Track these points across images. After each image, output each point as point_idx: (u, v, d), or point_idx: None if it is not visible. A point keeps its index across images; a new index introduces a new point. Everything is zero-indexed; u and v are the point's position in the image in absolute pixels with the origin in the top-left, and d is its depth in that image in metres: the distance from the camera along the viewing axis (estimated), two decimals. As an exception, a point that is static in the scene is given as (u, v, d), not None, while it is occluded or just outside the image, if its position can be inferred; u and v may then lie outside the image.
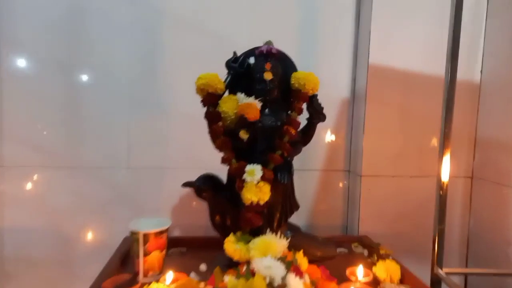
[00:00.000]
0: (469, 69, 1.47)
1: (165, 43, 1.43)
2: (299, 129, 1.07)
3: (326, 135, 1.54)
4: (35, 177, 1.42)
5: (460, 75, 1.14)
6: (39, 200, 1.42)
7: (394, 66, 1.43)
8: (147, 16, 1.42)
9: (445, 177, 1.12)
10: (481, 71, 1.47)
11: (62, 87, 1.41)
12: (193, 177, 1.42)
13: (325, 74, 1.48)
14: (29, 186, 1.42)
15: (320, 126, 1.12)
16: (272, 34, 1.15)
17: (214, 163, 1.07)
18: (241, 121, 1.00)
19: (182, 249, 1.29)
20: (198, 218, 1.38)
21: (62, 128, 1.42)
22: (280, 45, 1.11)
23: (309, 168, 1.54)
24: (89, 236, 1.45)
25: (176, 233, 1.46)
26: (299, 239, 1.09)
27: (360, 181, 1.45)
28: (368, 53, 1.41)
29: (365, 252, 1.29)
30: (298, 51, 1.48)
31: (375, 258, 1.21)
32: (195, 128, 1.20)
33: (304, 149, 1.14)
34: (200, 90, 1.02)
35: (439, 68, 1.41)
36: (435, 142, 1.47)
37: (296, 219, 1.26)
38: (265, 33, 1.37)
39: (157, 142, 1.45)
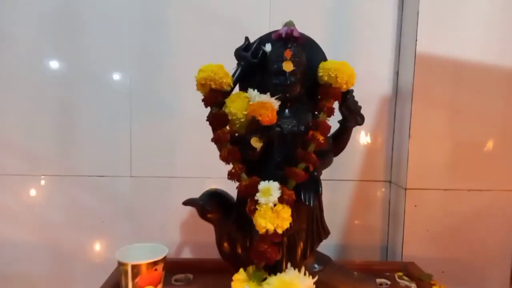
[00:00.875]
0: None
1: (170, 35, 1.23)
2: (328, 135, 0.83)
3: (362, 138, 1.29)
4: (27, 187, 1.26)
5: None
6: (33, 213, 1.26)
7: (448, 56, 1.16)
8: (148, 3, 1.22)
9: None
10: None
11: (56, 89, 1.24)
12: (204, 188, 1.21)
13: (361, 65, 1.19)
14: (21, 197, 1.26)
15: (355, 128, 0.88)
16: (296, 18, 0.92)
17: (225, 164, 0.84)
18: (254, 125, 0.77)
19: (189, 275, 1.08)
20: (210, 236, 1.17)
21: (57, 133, 1.25)
22: (305, 31, 0.87)
23: (342, 177, 1.30)
24: (87, 252, 1.28)
25: (184, 254, 1.27)
26: (329, 275, 0.86)
27: (404, 195, 1.19)
28: (416, 41, 1.15)
29: (413, 286, 1.04)
30: (328, 38, 1.24)
31: (426, 295, 0.96)
32: (206, 132, 0.96)
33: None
34: (201, 85, 0.80)
35: (504, 58, 1.14)
36: (498, 148, 1.18)
37: (325, 240, 1.04)
38: (287, 17, 1.14)
39: (163, 148, 1.26)
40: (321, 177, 0.82)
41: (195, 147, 1.24)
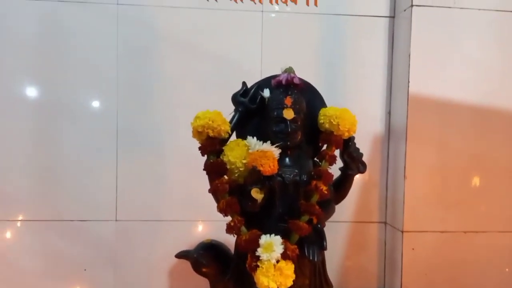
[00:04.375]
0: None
1: (161, 71, 1.20)
2: (331, 183, 0.80)
3: (356, 178, 1.26)
4: (2, 232, 1.17)
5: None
6: (5, 260, 1.16)
7: (439, 97, 1.17)
8: (138, 36, 1.20)
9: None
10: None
11: (36, 124, 1.17)
12: (195, 232, 1.15)
13: (354, 105, 1.19)
14: (-6, 243, 1.16)
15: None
16: (288, 60, 0.91)
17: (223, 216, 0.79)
18: (254, 176, 0.74)
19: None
20: (201, 286, 1.10)
21: (36, 173, 1.18)
22: (297, 73, 0.85)
23: (336, 219, 1.24)
24: (66, 306, 1.18)
25: (173, 304, 1.19)
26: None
27: (401, 237, 1.17)
28: (408, 82, 1.16)
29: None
30: (319, 77, 1.23)
31: None
32: (198, 171, 0.90)
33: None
34: (198, 133, 0.76)
35: (494, 99, 1.16)
36: (494, 188, 1.18)
37: None
38: (281, 58, 1.13)
39: (150, 189, 1.20)
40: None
41: (184, 188, 1.19)
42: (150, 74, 1.19)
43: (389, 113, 1.27)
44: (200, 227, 1.19)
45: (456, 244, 1.16)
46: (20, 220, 1.18)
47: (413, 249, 1.16)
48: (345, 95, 1.26)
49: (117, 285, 1.17)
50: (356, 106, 1.21)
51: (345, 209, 1.26)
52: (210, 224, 1.16)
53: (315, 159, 0.83)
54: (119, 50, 1.18)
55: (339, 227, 1.27)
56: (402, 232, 1.16)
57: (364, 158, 1.24)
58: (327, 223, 1.22)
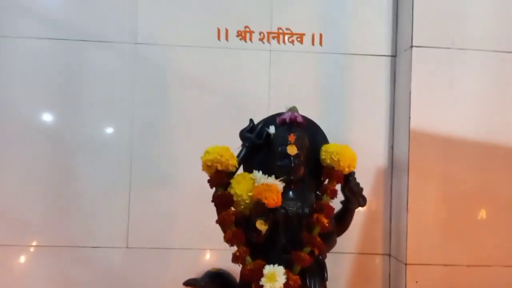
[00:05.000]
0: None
1: (171, 105, 1.28)
2: (332, 216, 0.84)
3: (360, 210, 1.29)
4: (14, 258, 1.21)
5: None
6: (19, 285, 1.21)
7: (440, 132, 1.21)
8: (153, 73, 1.28)
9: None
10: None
11: (51, 154, 1.24)
12: (204, 261, 1.19)
13: (357, 139, 1.29)
14: (6, 269, 1.21)
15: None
16: (295, 97, 0.97)
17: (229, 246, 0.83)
18: (258, 208, 0.78)
19: None
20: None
21: (50, 200, 1.23)
22: (304, 109, 0.92)
23: (341, 250, 1.27)
24: (76, 332, 1.21)
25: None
26: None
27: (404, 270, 1.18)
28: (409, 118, 1.21)
29: None
30: (325, 115, 1.29)
31: None
32: (206, 201, 0.95)
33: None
34: (207, 167, 0.82)
35: (496, 133, 1.20)
36: (496, 221, 1.20)
37: None
38: (287, 95, 1.20)
39: (162, 217, 1.25)
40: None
41: (194, 218, 1.23)
42: (164, 109, 1.27)
43: (392, 148, 1.32)
44: (208, 256, 1.22)
45: (459, 278, 1.17)
46: (33, 246, 1.22)
47: (416, 282, 1.17)
48: (350, 130, 1.31)
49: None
50: (360, 140, 1.29)
51: (350, 241, 1.29)
52: (217, 253, 1.20)
53: (318, 192, 0.87)
54: (135, 86, 1.27)
55: (345, 258, 1.29)
56: (406, 264, 1.18)
57: (368, 191, 1.30)
58: (333, 255, 1.25)
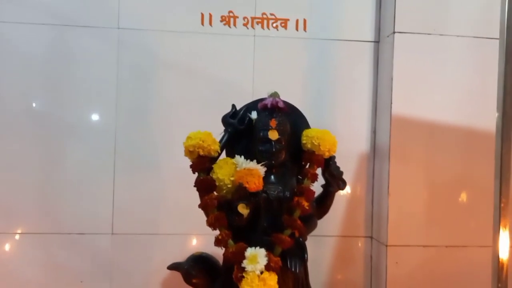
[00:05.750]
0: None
1: (155, 90, 1.27)
2: (313, 200, 0.86)
3: (342, 194, 1.32)
4: (1, 245, 1.21)
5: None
6: (5, 272, 1.20)
7: (421, 117, 1.23)
8: (137, 58, 1.27)
9: (503, 253, 0.87)
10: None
11: (35, 141, 1.23)
12: (188, 245, 1.21)
13: (341, 125, 1.30)
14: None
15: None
16: (279, 82, 0.98)
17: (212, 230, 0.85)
18: (240, 192, 0.80)
19: None
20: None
21: (36, 187, 1.23)
22: (288, 94, 0.93)
23: (324, 233, 1.31)
24: (63, 317, 1.22)
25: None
26: None
27: (385, 252, 1.22)
28: (391, 104, 1.22)
29: None
30: (307, 98, 1.30)
31: None
32: (191, 187, 0.96)
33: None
34: (189, 152, 0.83)
35: (475, 119, 1.23)
36: (473, 204, 1.24)
37: None
38: (271, 81, 1.20)
39: (147, 204, 1.25)
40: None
41: (179, 203, 1.24)
42: (148, 95, 1.26)
43: (374, 133, 1.34)
44: (194, 240, 1.24)
45: (438, 258, 1.21)
46: (18, 233, 1.22)
47: (396, 262, 1.21)
48: (333, 115, 1.32)
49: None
50: (343, 126, 1.31)
51: (333, 224, 1.31)
52: (203, 238, 1.21)
53: (299, 177, 0.89)
54: (119, 72, 1.25)
55: (328, 241, 1.32)
56: (386, 246, 1.21)
57: (351, 175, 1.32)
58: (316, 238, 1.29)
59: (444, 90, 1.24)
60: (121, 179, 1.24)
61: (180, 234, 1.25)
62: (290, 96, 0.94)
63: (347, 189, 1.32)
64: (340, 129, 1.31)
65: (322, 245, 1.31)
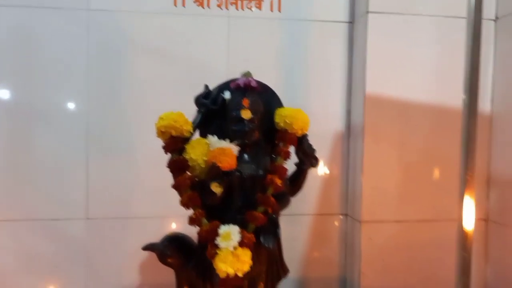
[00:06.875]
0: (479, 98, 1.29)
1: (127, 73, 1.24)
2: (286, 177, 0.87)
3: (318, 173, 1.35)
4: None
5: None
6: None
7: (394, 97, 1.25)
8: (108, 40, 1.23)
9: (468, 223, 0.91)
10: (491, 100, 1.31)
11: (5, 126, 1.19)
12: (163, 228, 1.21)
13: (316, 105, 1.32)
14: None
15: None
16: (253, 63, 0.98)
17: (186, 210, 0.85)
18: (213, 171, 0.80)
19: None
20: (170, 278, 1.15)
21: (5, 174, 1.19)
22: (262, 75, 0.93)
23: (300, 212, 1.33)
24: (39, 302, 1.21)
25: (145, 297, 1.24)
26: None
27: (359, 228, 1.25)
28: (364, 83, 1.24)
29: (370, 319, 1.08)
30: (282, 78, 1.31)
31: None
32: (165, 171, 0.96)
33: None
34: (162, 133, 0.82)
35: (445, 98, 1.26)
36: (443, 180, 1.28)
37: None
38: (245, 61, 1.20)
39: (122, 186, 1.24)
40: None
41: (154, 186, 1.23)
42: (120, 77, 1.23)
43: (349, 113, 1.35)
44: (169, 223, 1.24)
45: (409, 232, 1.25)
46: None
47: (370, 238, 1.25)
48: (308, 96, 1.33)
49: (89, 282, 1.21)
50: (318, 105, 1.32)
51: (309, 203, 1.34)
52: (179, 220, 1.21)
53: (273, 156, 0.90)
54: (90, 54, 1.22)
55: (304, 220, 1.34)
56: (360, 222, 1.25)
57: (326, 154, 1.34)
58: (292, 217, 1.32)
59: (416, 69, 1.26)
60: (95, 163, 1.22)
61: (156, 217, 1.25)
62: (265, 76, 0.93)
63: (323, 169, 1.34)
64: (315, 109, 1.32)
65: (299, 224, 1.34)
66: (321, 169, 1.35)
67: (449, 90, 1.25)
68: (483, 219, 1.32)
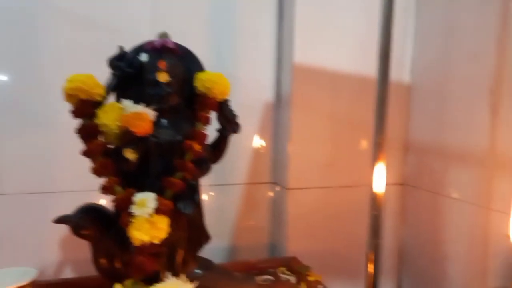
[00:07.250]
0: (399, 69, 1.36)
1: (43, 40, 1.13)
2: (208, 144, 0.86)
3: (248, 143, 1.35)
4: None
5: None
6: None
7: (322, 67, 1.28)
8: (18, 7, 1.10)
9: (379, 186, 0.97)
10: (411, 71, 1.38)
11: None
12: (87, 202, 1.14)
13: (246, 75, 1.31)
14: None
15: (241, 133, 0.92)
16: (180, 31, 0.93)
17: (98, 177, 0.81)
18: (127, 137, 0.76)
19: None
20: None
21: None
22: (190, 43, 0.89)
23: (229, 182, 1.34)
24: None
25: (66, 274, 1.18)
26: (210, 279, 0.88)
27: (286, 195, 1.28)
28: (292, 53, 1.24)
29: (293, 279, 1.12)
30: (211, 47, 1.27)
31: (304, 286, 1.05)
32: None
33: (224, 160, 0.93)
34: (69, 96, 0.76)
35: (370, 68, 1.29)
36: (367, 148, 1.34)
37: (217, 242, 1.09)
38: (172, 29, 1.15)
39: (39, 160, 1.15)
40: (210, 183, 0.84)
41: (75, 158, 1.14)
42: (34, 45, 1.11)
43: (278, 82, 1.36)
44: (91, 197, 1.17)
45: (331, 197, 1.31)
46: None
47: (296, 204, 1.29)
48: (237, 65, 1.31)
49: (5, 260, 1.13)
50: (248, 75, 1.32)
51: (239, 173, 1.34)
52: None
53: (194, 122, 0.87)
54: (1, 19, 1.09)
55: (234, 189, 1.34)
56: (287, 189, 1.28)
57: (256, 124, 1.35)
58: (223, 186, 1.32)
59: (343, 38, 1.29)
60: (9, 136, 1.11)
61: (79, 191, 1.18)
62: (192, 45, 0.90)
63: (253, 138, 1.35)
64: (245, 79, 1.32)
65: (229, 194, 1.34)
66: (251, 138, 1.35)
67: (371, 59, 1.29)
68: (400, 184, 1.41)
